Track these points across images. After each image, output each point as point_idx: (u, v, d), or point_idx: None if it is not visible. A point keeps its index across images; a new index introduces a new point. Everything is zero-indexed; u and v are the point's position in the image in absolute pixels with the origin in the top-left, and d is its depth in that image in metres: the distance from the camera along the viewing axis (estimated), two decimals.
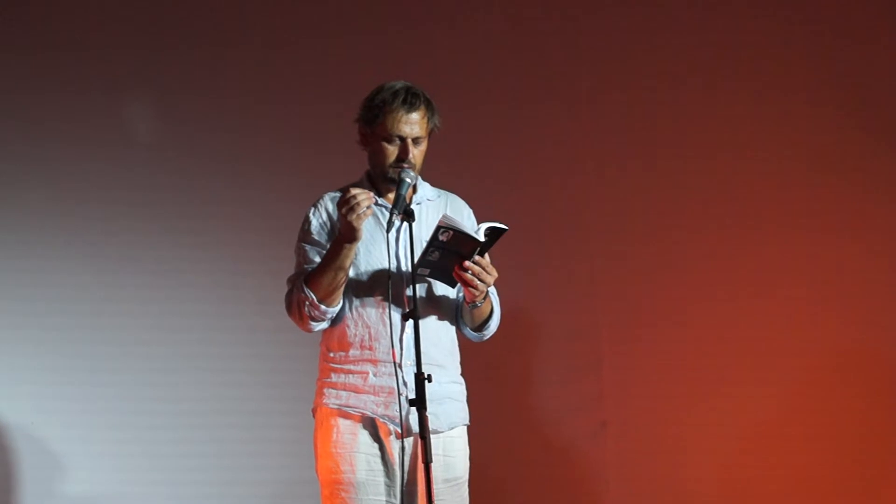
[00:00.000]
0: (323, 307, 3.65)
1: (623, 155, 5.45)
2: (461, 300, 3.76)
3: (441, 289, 3.74)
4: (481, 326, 3.80)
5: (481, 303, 3.71)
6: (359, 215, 3.55)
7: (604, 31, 5.49)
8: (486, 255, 3.64)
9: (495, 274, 3.64)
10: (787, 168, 5.44)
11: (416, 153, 3.71)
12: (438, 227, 3.52)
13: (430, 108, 3.73)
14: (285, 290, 3.77)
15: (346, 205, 3.56)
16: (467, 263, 3.59)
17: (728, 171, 5.44)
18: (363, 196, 3.56)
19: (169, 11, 5.37)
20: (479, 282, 3.61)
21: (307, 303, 3.65)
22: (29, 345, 5.20)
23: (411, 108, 3.69)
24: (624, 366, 5.37)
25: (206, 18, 5.39)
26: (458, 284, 3.67)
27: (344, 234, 3.60)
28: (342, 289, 3.66)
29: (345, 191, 3.61)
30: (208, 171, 5.32)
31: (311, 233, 3.76)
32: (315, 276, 3.65)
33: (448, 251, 3.56)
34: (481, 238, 3.56)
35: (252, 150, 5.34)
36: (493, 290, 3.78)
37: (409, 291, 3.64)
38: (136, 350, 5.24)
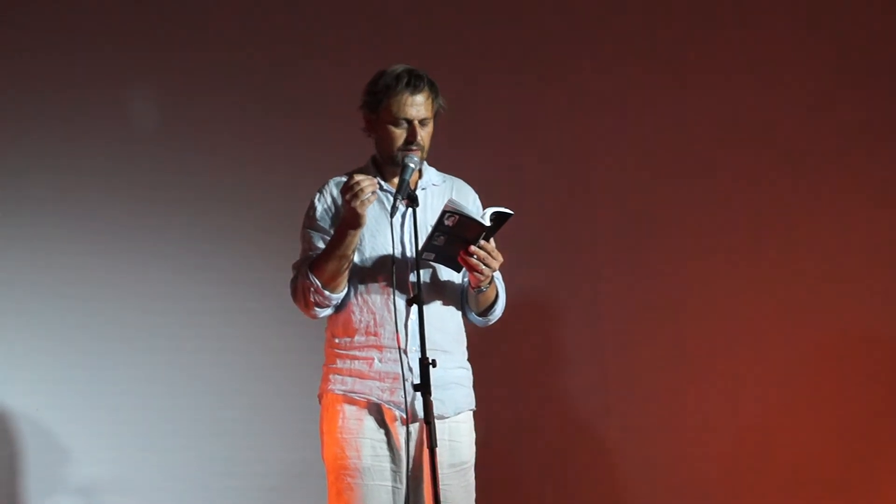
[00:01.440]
0: (327, 293, 3.64)
1: (626, 147, 5.45)
2: (466, 285, 3.76)
3: (446, 274, 3.72)
4: (486, 311, 3.79)
5: (486, 287, 3.70)
6: (362, 201, 3.53)
7: (604, 29, 5.49)
8: (492, 240, 3.62)
9: (501, 258, 3.63)
10: (787, 163, 5.43)
11: (424, 135, 3.69)
12: (444, 212, 3.51)
13: (433, 90, 3.71)
14: (289, 278, 3.75)
15: (349, 191, 3.54)
16: (473, 248, 3.57)
17: (729, 165, 5.43)
18: (367, 182, 3.54)
19: (173, 8, 5.37)
20: (484, 266, 3.60)
21: (312, 289, 3.64)
22: (31, 335, 5.19)
23: (415, 90, 3.67)
24: (627, 353, 5.37)
25: (210, 14, 5.38)
26: (464, 269, 3.66)
27: (347, 220, 3.58)
28: (346, 275, 3.65)
29: (349, 176, 3.59)
30: (211, 165, 5.31)
31: (316, 219, 3.75)
32: (319, 262, 3.64)
33: (453, 236, 3.55)
34: (487, 223, 3.55)
35: (255, 145, 5.33)
36: (498, 275, 3.77)
37: (413, 277, 3.63)
38: (139, 340, 5.23)
